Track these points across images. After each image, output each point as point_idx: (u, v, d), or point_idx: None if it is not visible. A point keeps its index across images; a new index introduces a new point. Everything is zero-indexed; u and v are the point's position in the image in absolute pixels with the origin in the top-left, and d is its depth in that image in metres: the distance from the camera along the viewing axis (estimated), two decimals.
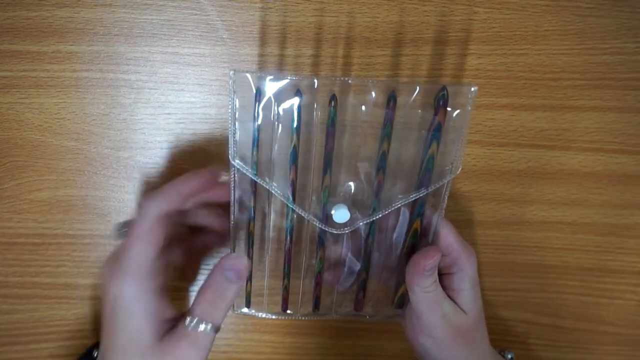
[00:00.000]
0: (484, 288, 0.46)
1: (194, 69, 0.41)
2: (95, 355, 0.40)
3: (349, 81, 0.33)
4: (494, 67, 0.41)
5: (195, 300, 0.34)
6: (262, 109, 0.33)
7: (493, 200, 0.44)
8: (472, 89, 0.32)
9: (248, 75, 0.32)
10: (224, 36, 0.40)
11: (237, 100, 0.32)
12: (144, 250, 0.33)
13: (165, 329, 0.33)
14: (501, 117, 0.42)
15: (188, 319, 0.33)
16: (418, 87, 0.33)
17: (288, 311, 0.40)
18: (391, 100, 0.33)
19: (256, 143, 0.34)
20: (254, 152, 0.34)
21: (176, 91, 0.41)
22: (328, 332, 0.47)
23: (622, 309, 0.46)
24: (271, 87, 0.33)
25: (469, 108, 0.33)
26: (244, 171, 0.34)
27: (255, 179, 0.34)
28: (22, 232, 0.43)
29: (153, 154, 0.42)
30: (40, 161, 0.42)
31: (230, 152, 0.34)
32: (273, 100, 0.33)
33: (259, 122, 0.33)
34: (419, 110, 0.34)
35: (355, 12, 0.40)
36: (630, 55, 0.41)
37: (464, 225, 0.44)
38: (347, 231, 0.35)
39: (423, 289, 0.35)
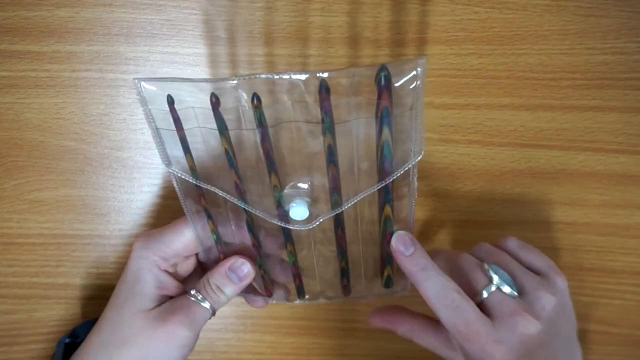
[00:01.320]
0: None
1: (194, 69, 0.40)
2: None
3: (274, 77, 0.29)
4: (494, 66, 0.41)
5: (201, 280, 0.36)
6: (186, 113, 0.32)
7: (493, 200, 0.44)
8: (421, 60, 0.28)
9: (153, 85, 0.31)
10: (224, 36, 0.40)
11: (149, 108, 0.32)
12: (180, 241, 0.36)
13: (164, 302, 0.36)
14: (501, 117, 0.42)
15: (193, 291, 0.36)
16: (353, 72, 0.29)
17: (273, 299, 0.39)
18: (322, 90, 0.29)
19: (187, 149, 0.33)
20: (188, 159, 0.33)
21: (176, 91, 0.41)
22: (328, 333, 0.47)
23: (622, 309, 0.46)
24: (182, 91, 0.31)
25: (419, 83, 0.29)
26: (184, 177, 0.34)
27: (197, 183, 0.34)
28: (21, 232, 0.43)
29: (153, 154, 0.42)
30: (40, 161, 0.42)
31: (163, 159, 0.33)
32: (194, 106, 0.32)
33: (183, 127, 0.32)
34: (360, 97, 0.30)
35: (355, 12, 0.40)
36: (631, 55, 0.41)
37: (464, 225, 0.44)
38: (309, 227, 0.34)
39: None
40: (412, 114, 0.30)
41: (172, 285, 0.37)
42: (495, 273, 0.33)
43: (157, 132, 0.33)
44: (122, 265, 0.44)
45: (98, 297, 0.45)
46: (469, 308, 0.32)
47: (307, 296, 0.39)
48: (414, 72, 0.29)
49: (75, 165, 0.42)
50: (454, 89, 0.41)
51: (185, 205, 0.36)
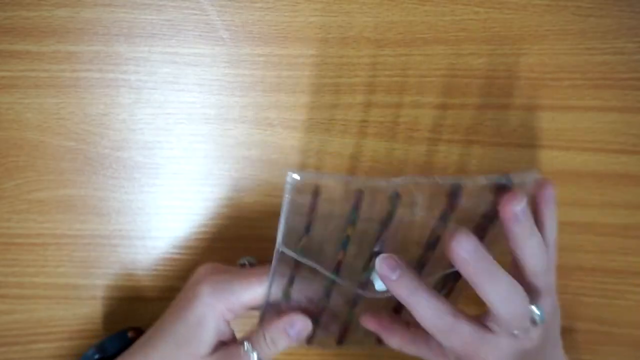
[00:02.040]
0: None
1: (193, 69, 0.41)
2: (129, 335, 0.41)
3: (408, 183, 0.33)
4: (494, 67, 0.41)
5: (256, 332, 0.37)
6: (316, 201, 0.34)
7: None
8: (534, 176, 0.33)
9: (309, 175, 0.33)
10: (224, 36, 0.40)
11: (289, 198, 0.33)
12: (251, 295, 0.35)
13: (218, 348, 0.36)
14: (501, 117, 0.42)
15: (246, 344, 0.36)
16: (482, 180, 0.32)
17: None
18: (454, 195, 0.33)
19: (309, 231, 0.35)
20: (304, 239, 0.35)
21: (176, 91, 0.41)
22: None
23: (623, 309, 0.46)
24: (327, 185, 0.34)
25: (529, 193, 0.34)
26: (294, 256, 0.35)
27: (302, 261, 0.35)
28: (21, 232, 0.43)
29: (153, 153, 0.42)
30: (40, 161, 0.42)
31: (279, 241, 0.34)
32: (328, 196, 0.34)
33: (314, 215, 0.34)
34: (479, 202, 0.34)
35: (355, 12, 0.40)
36: (631, 55, 0.41)
37: None
38: (385, 295, 0.35)
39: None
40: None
41: (229, 334, 0.37)
42: (536, 315, 0.32)
43: (287, 216, 0.34)
44: (122, 265, 0.44)
45: (98, 297, 0.45)
46: (465, 328, 0.31)
47: (344, 343, 0.41)
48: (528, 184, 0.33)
49: (75, 165, 0.42)
50: (454, 89, 0.41)
51: (275, 269, 0.36)
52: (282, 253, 0.35)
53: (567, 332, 0.47)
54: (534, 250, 0.32)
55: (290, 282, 0.37)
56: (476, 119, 0.42)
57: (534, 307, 0.32)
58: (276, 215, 0.33)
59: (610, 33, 0.40)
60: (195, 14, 0.40)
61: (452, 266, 0.32)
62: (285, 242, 0.34)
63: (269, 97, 0.42)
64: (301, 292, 0.37)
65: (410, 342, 0.37)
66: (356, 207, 0.34)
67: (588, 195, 0.44)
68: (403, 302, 0.32)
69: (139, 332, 0.42)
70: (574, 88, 0.41)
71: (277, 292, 0.37)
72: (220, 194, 0.43)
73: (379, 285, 0.34)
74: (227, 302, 0.35)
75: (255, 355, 0.35)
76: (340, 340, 0.40)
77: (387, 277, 0.32)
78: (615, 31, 0.40)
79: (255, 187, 0.43)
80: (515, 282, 0.31)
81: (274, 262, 0.35)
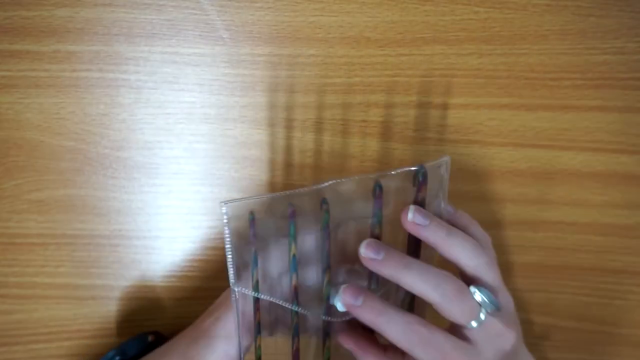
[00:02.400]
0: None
1: (194, 69, 0.41)
2: (149, 339, 0.41)
3: (332, 183, 0.34)
4: (494, 67, 0.41)
5: None
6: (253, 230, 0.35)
7: (493, 200, 0.44)
8: (445, 159, 0.35)
9: (239, 203, 0.34)
10: (224, 36, 0.40)
11: (229, 228, 0.34)
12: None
13: None
14: (501, 117, 0.42)
15: None
16: (396, 172, 0.35)
17: None
18: (377, 189, 0.34)
19: (256, 264, 0.35)
20: (254, 273, 0.35)
21: (176, 91, 0.41)
22: None
23: (623, 309, 0.46)
24: (258, 208, 0.35)
25: (446, 176, 0.35)
26: (249, 293, 0.35)
27: (259, 297, 0.35)
28: (21, 232, 0.43)
29: (153, 153, 0.42)
30: (40, 161, 0.42)
31: (231, 279, 0.34)
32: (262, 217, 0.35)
33: (255, 244, 0.35)
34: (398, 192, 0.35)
35: (355, 12, 0.40)
36: (631, 55, 0.41)
37: None
38: (348, 317, 0.35)
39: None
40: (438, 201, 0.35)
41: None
42: (483, 297, 0.32)
43: (233, 251, 0.35)
44: (122, 265, 0.44)
45: (98, 297, 0.45)
46: (441, 339, 0.31)
47: None
48: (441, 169, 0.35)
49: (75, 165, 0.42)
50: (454, 89, 0.41)
51: (238, 323, 0.36)
52: (238, 292, 0.35)
53: (568, 332, 0.47)
54: (459, 248, 0.32)
55: (259, 333, 0.36)
56: (476, 119, 0.42)
57: (473, 289, 0.32)
58: None
59: (610, 33, 0.40)
60: (195, 14, 0.40)
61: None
62: (239, 279, 0.35)
63: (269, 97, 0.42)
64: (273, 331, 0.37)
65: None
66: (293, 223, 0.34)
67: (588, 195, 0.44)
68: (373, 326, 0.32)
69: (159, 336, 0.42)
70: (574, 88, 0.41)
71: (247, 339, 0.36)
72: (220, 194, 0.43)
73: (342, 306, 0.34)
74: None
75: None
76: None
77: (352, 306, 0.32)
78: (615, 31, 0.40)
79: (255, 187, 0.43)
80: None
81: (234, 307, 0.35)
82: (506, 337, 0.32)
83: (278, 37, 0.40)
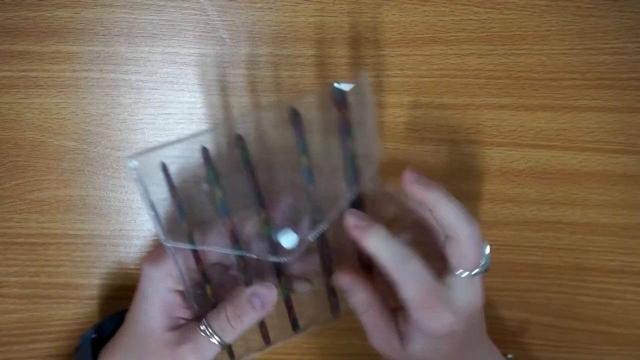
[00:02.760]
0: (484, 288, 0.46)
1: (194, 69, 0.41)
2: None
3: (245, 115, 0.34)
4: (493, 67, 0.41)
5: (214, 310, 0.35)
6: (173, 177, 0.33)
7: (493, 200, 0.44)
8: (363, 74, 0.34)
9: (146, 156, 0.32)
10: (224, 36, 0.40)
11: (144, 184, 0.32)
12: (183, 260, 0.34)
13: (176, 325, 0.36)
14: (501, 117, 0.42)
15: (203, 326, 0.34)
16: (312, 96, 0.34)
17: (272, 343, 0.39)
18: (294, 117, 0.33)
19: (183, 214, 0.33)
20: (184, 224, 0.34)
21: (176, 91, 0.41)
22: (328, 332, 0.47)
23: (622, 309, 0.46)
24: (173, 153, 0.33)
25: (368, 95, 0.34)
26: (183, 247, 0.34)
27: (195, 248, 0.34)
28: (22, 232, 0.43)
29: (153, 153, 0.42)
30: (41, 161, 0.42)
31: (160, 236, 0.33)
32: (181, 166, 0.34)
33: (173, 194, 0.33)
34: (321, 113, 0.34)
35: (355, 12, 0.40)
36: (631, 55, 0.41)
37: None
38: (298, 253, 0.34)
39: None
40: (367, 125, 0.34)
41: (179, 307, 0.35)
42: (488, 254, 0.34)
43: (153, 207, 0.33)
44: (122, 265, 0.44)
45: (99, 297, 0.45)
46: (427, 276, 0.32)
47: (301, 327, 0.39)
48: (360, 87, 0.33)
49: (75, 165, 0.42)
50: (454, 89, 0.41)
51: (185, 280, 0.35)
52: (171, 248, 0.34)
53: (568, 332, 0.47)
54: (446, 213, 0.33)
55: (207, 281, 0.35)
56: (476, 119, 0.42)
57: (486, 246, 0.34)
58: None
59: (610, 33, 0.40)
60: (195, 14, 0.40)
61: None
62: (170, 233, 0.33)
63: (268, 97, 0.42)
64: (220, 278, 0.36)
65: (370, 306, 0.35)
66: (210, 166, 0.33)
67: (587, 195, 0.44)
68: (361, 243, 0.32)
69: None
70: (573, 88, 0.41)
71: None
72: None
73: (287, 242, 0.34)
74: (162, 268, 0.35)
75: (217, 339, 0.34)
76: (295, 324, 0.39)
77: (355, 227, 0.33)
78: (615, 31, 0.40)
79: None
80: None
81: (170, 258, 0.34)
82: (479, 297, 0.34)
83: (278, 37, 0.40)
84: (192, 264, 0.35)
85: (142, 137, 0.42)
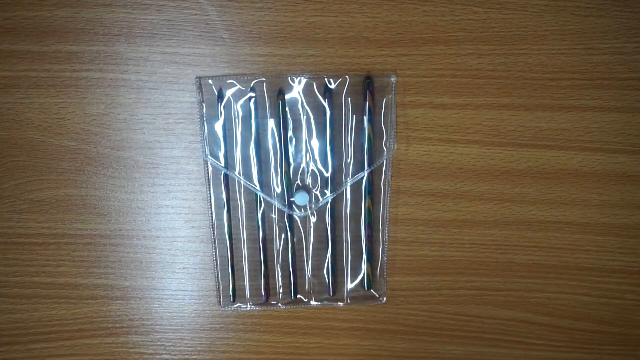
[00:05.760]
0: (484, 288, 0.46)
1: (194, 69, 0.41)
2: None
3: (294, 78, 0.40)
4: (493, 67, 0.41)
5: None
6: (224, 109, 0.41)
7: (493, 200, 0.44)
8: (392, 79, 0.41)
9: (210, 80, 0.40)
10: (224, 36, 0.40)
11: (204, 105, 0.40)
12: None
13: None
14: (501, 117, 0.42)
15: None
16: (348, 78, 0.40)
17: (271, 302, 0.45)
18: (327, 92, 0.40)
19: (224, 140, 0.41)
20: (224, 149, 0.41)
21: (176, 91, 0.41)
22: (328, 332, 0.47)
23: (622, 309, 0.46)
24: (229, 88, 0.40)
25: (393, 95, 0.41)
26: (217, 166, 0.41)
27: (227, 173, 0.41)
28: (22, 232, 0.43)
29: (153, 153, 0.42)
30: (41, 161, 0.42)
31: (203, 150, 0.40)
32: (232, 100, 0.41)
33: (222, 121, 0.40)
34: (349, 99, 0.41)
35: (355, 12, 0.40)
36: (630, 55, 0.41)
37: (463, 225, 0.44)
38: (309, 212, 0.42)
39: None
40: (388, 118, 0.41)
41: None
42: None
43: (203, 123, 0.41)
44: (122, 265, 0.44)
45: (98, 297, 0.45)
46: None
47: (298, 296, 0.45)
48: (389, 85, 0.41)
49: (75, 165, 0.42)
50: (454, 89, 0.41)
51: (210, 197, 0.42)
52: (209, 165, 0.41)
53: (568, 332, 0.47)
54: None
55: (228, 210, 0.42)
56: (476, 119, 0.42)
57: None
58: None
59: (610, 33, 0.41)
60: (195, 14, 0.40)
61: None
62: (211, 152, 0.41)
63: (268, 98, 0.42)
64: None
65: None
66: (255, 108, 0.40)
67: (587, 195, 0.44)
68: None
69: None
70: (573, 88, 0.41)
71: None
72: (220, 193, 0.43)
73: (300, 200, 0.41)
74: None
75: None
76: (295, 292, 0.44)
77: None
78: (615, 31, 0.40)
79: None
80: None
81: (208, 176, 0.41)
82: None
83: (278, 37, 0.40)
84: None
85: (142, 137, 0.42)
